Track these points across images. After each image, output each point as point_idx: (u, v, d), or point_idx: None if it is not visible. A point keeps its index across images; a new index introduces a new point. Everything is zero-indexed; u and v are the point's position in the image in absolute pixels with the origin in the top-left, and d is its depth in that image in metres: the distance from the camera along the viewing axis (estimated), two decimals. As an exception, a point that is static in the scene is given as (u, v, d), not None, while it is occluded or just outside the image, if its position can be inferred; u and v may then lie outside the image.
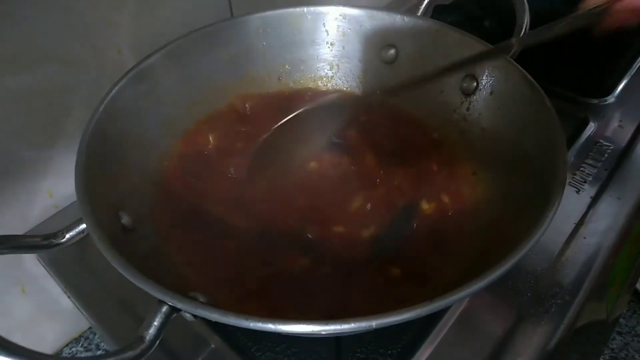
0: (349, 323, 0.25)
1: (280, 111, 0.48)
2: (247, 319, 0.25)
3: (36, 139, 0.50)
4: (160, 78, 0.46)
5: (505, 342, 0.41)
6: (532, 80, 0.41)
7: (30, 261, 0.52)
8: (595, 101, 0.65)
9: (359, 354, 0.40)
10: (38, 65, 0.46)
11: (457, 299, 0.27)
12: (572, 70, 0.69)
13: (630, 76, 0.68)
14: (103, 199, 0.36)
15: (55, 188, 0.53)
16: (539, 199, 0.33)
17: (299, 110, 0.46)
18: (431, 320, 0.42)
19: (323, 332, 0.25)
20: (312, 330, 0.25)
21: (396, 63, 0.53)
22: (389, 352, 0.41)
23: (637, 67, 0.70)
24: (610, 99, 0.65)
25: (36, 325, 0.57)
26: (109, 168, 0.39)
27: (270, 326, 0.25)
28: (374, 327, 0.25)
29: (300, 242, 0.42)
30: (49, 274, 0.49)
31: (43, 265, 0.50)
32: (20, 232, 0.51)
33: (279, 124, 0.46)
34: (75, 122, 0.51)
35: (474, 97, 0.47)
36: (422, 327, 0.41)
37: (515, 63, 0.43)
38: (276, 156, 0.47)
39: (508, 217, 0.38)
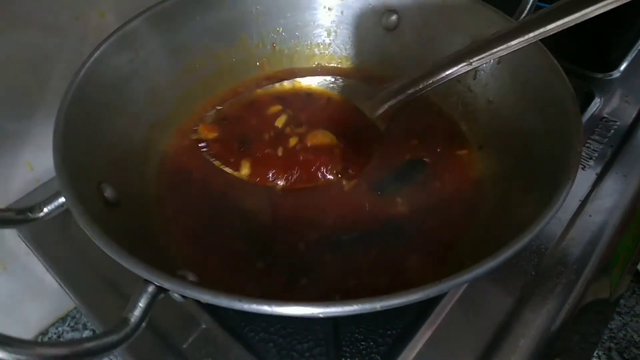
0: (351, 305, 0.23)
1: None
2: (240, 300, 0.23)
3: (14, 109, 0.47)
4: (146, 43, 0.43)
5: (508, 323, 0.40)
6: (544, 48, 0.38)
7: (11, 238, 0.49)
8: (600, 76, 0.63)
9: (357, 334, 0.39)
10: (15, 31, 0.44)
11: (465, 281, 0.25)
12: (577, 43, 0.67)
13: (636, 50, 0.66)
14: (84, 170, 0.33)
15: (36, 161, 0.50)
16: (550, 177, 0.31)
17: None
18: (433, 299, 0.40)
19: (322, 315, 0.23)
20: (312, 313, 0.23)
21: (398, 30, 0.50)
22: (389, 332, 0.39)
23: (643, 41, 0.67)
24: (616, 73, 0.63)
25: (20, 304, 0.56)
26: (91, 138, 0.36)
27: (266, 308, 0.23)
28: (379, 309, 0.23)
29: (296, 220, 0.39)
30: (31, 250, 0.47)
31: (24, 242, 0.47)
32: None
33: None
34: (55, 91, 0.48)
35: (481, 66, 0.45)
36: (423, 307, 0.40)
37: (525, 29, 0.40)
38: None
39: (517, 195, 0.36)
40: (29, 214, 0.30)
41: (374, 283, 0.36)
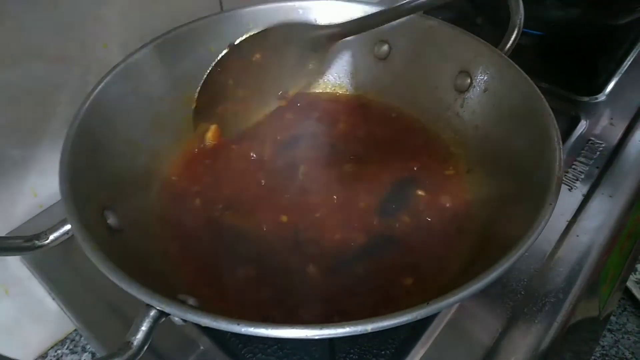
0: (343, 327, 0.24)
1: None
2: (238, 324, 0.24)
3: (20, 136, 0.48)
4: (148, 74, 0.45)
5: (499, 342, 0.41)
6: (527, 77, 0.40)
7: (13, 262, 0.50)
8: (586, 99, 0.65)
9: (352, 355, 0.40)
10: (22, 61, 0.45)
11: (453, 302, 0.26)
12: (563, 68, 0.70)
13: (621, 74, 0.69)
14: (89, 198, 0.34)
15: (40, 187, 0.51)
16: (533, 200, 0.33)
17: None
18: (425, 319, 0.41)
19: (317, 337, 0.24)
20: (306, 335, 0.24)
21: (389, 59, 0.52)
22: (382, 352, 0.40)
23: (627, 64, 0.70)
24: (602, 96, 0.65)
25: (20, 328, 0.56)
26: (95, 166, 0.37)
27: (263, 331, 0.24)
28: (370, 331, 0.25)
29: (293, 243, 0.41)
30: (33, 275, 0.48)
31: (27, 267, 0.48)
32: (3, 232, 0.50)
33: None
34: (60, 119, 0.50)
35: (468, 94, 0.47)
36: (416, 327, 0.41)
37: (510, 60, 0.42)
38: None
39: (504, 217, 0.37)
40: (36, 242, 0.32)
41: (368, 304, 0.38)
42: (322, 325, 0.24)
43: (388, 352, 0.40)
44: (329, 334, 0.24)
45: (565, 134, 0.59)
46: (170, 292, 0.29)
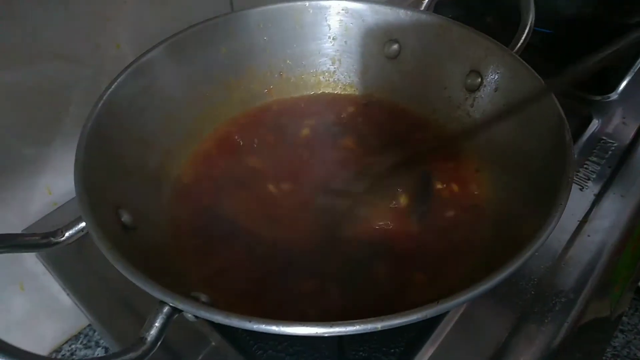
0: (353, 325, 0.25)
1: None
2: (250, 321, 0.25)
3: (34, 135, 0.49)
4: (160, 73, 0.45)
5: (508, 341, 0.41)
6: (538, 76, 0.40)
7: (29, 258, 0.51)
8: (598, 98, 0.65)
9: (361, 353, 0.40)
10: (36, 61, 0.46)
11: (463, 301, 0.26)
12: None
13: (633, 73, 0.68)
14: (103, 196, 0.35)
15: (54, 185, 0.52)
16: (544, 201, 0.33)
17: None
18: (434, 318, 0.41)
19: (327, 335, 0.25)
20: (316, 333, 0.24)
21: (399, 58, 0.52)
22: (392, 350, 0.40)
23: (640, 63, 0.69)
24: (614, 95, 0.65)
25: (35, 323, 0.57)
26: (109, 165, 0.38)
27: (274, 328, 0.25)
28: (379, 329, 0.25)
29: (306, 242, 0.41)
30: (48, 271, 0.49)
31: (42, 263, 0.49)
32: (19, 229, 0.50)
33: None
34: (73, 118, 0.50)
35: (478, 93, 0.47)
36: (425, 325, 0.41)
37: (520, 59, 0.42)
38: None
39: (514, 216, 0.37)
40: (52, 239, 0.32)
41: (379, 301, 0.38)
42: (332, 323, 0.25)
43: (397, 350, 0.40)
44: (339, 332, 0.25)
45: (577, 134, 0.59)
46: (183, 289, 0.29)
